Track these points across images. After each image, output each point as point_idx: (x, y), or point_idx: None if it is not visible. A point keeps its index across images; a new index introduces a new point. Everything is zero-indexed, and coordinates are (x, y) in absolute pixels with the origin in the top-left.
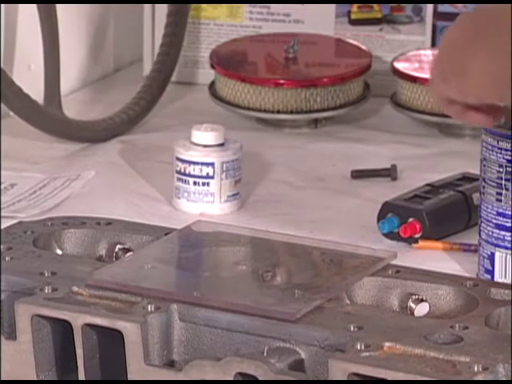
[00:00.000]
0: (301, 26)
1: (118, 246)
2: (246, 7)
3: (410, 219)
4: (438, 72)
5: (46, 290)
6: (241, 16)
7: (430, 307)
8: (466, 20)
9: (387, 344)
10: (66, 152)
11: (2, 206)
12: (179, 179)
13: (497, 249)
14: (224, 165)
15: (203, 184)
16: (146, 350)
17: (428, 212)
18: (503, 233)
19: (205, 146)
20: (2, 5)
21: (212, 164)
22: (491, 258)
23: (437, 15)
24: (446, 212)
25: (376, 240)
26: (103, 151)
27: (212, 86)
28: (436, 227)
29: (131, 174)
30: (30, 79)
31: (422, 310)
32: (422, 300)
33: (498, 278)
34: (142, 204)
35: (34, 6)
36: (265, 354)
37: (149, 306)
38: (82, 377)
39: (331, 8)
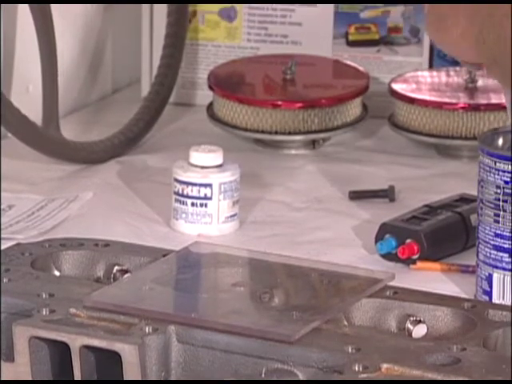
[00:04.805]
0: (298, 48)
1: (116, 268)
2: (243, 28)
3: (408, 240)
4: (427, 25)
5: (44, 312)
6: (238, 37)
7: (427, 328)
8: None
9: (385, 365)
10: (63, 173)
11: (0, 228)
12: (177, 200)
13: (495, 270)
14: (222, 186)
15: (201, 205)
16: (144, 371)
17: (426, 233)
18: (501, 254)
19: (203, 167)
20: (1, 26)
21: (210, 185)
22: (489, 279)
23: None
24: (444, 233)
25: (374, 261)
26: (101, 172)
27: (210, 107)
28: (434, 248)
29: (129, 195)
30: (28, 101)
31: (419, 331)
32: (419, 321)
33: (495, 299)
34: (139, 225)
35: (33, 27)
36: (263, 375)
37: (146, 328)
38: None
39: (329, 29)
